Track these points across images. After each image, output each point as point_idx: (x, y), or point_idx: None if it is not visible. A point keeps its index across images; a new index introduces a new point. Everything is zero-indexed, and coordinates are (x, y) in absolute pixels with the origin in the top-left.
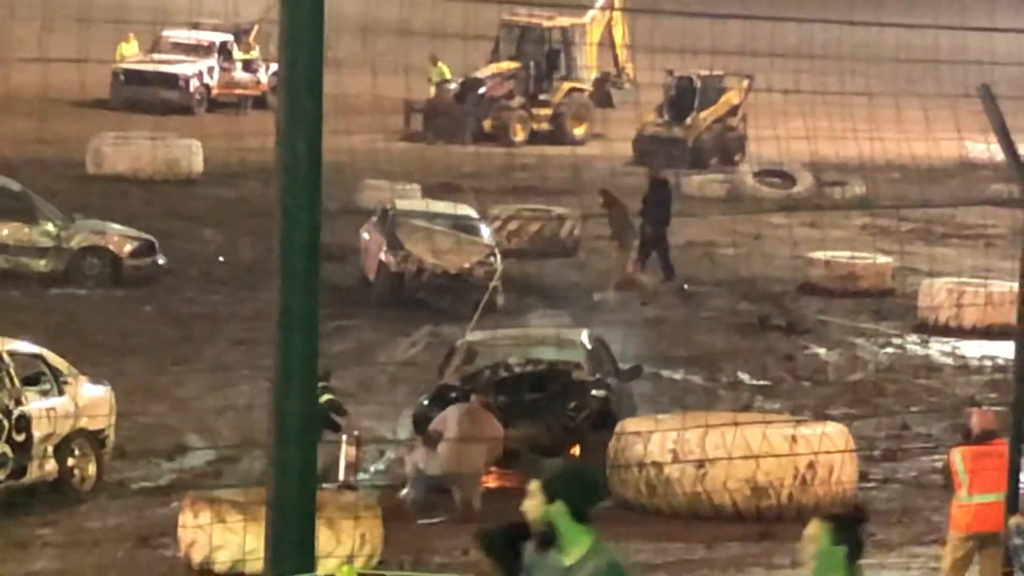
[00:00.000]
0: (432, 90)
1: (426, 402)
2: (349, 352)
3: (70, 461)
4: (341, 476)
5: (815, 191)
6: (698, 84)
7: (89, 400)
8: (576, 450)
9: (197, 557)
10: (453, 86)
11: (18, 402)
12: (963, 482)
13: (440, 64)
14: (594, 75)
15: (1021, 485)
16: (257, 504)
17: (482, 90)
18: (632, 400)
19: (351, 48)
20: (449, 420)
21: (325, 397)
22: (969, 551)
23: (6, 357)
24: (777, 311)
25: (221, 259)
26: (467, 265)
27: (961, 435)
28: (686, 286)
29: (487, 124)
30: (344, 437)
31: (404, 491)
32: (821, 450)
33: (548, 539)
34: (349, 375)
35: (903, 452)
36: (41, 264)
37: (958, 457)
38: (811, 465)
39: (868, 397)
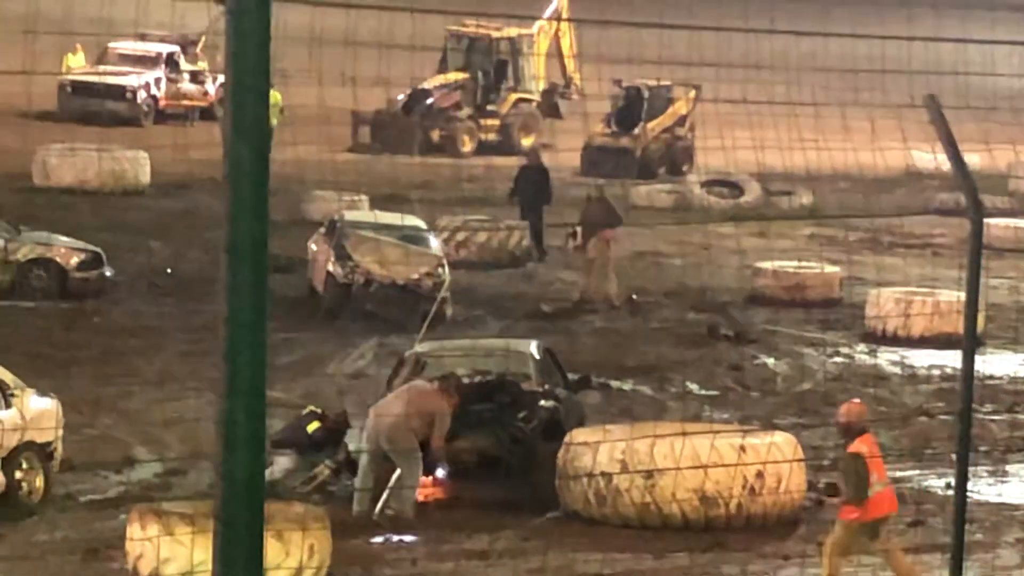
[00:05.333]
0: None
1: None
2: (297, 363)
3: (17, 474)
4: (306, 490)
5: (763, 201)
6: (646, 94)
7: (36, 413)
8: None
9: (145, 570)
10: (402, 97)
11: None
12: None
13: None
14: (542, 85)
15: (968, 494)
16: (205, 516)
17: (430, 101)
18: (581, 410)
19: (298, 59)
20: (390, 396)
21: (314, 426)
22: (856, 536)
23: None
24: (725, 321)
25: (168, 271)
26: (415, 276)
27: (839, 431)
28: (635, 296)
29: (435, 135)
30: (327, 461)
31: (354, 507)
32: (769, 460)
33: None
34: (297, 387)
35: None
36: None
37: (864, 450)
38: (760, 475)
39: (816, 407)
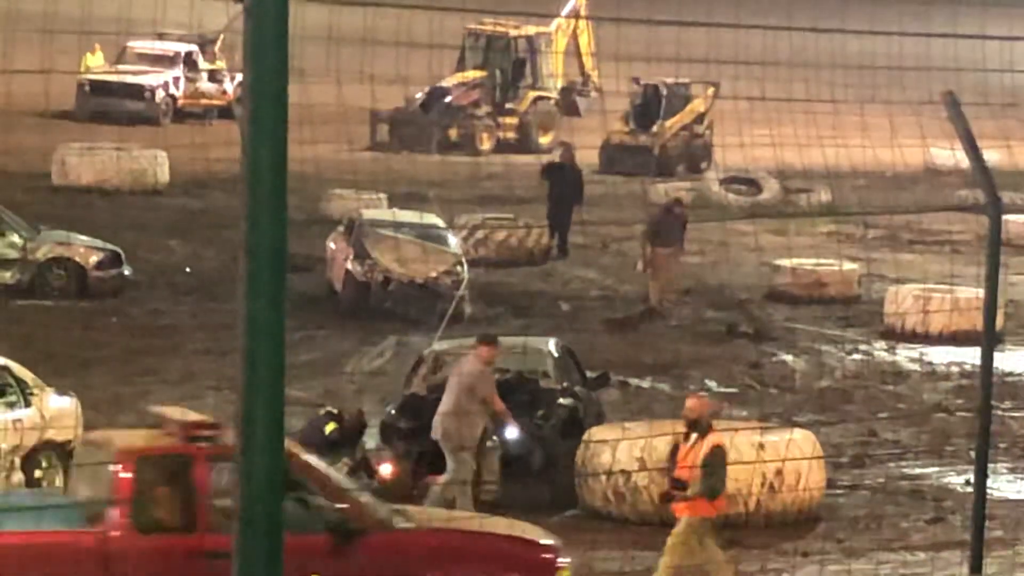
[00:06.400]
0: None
1: (393, 412)
2: (316, 362)
3: (37, 473)
4: None
5: (781, 198)
6: (664, 92)
7: (55, 412)
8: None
9: None
10: (420, 95)
11: None
12: None
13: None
14: (560, 83)
15: (988, 490)
16: None
17: (448, 99)
18: (599, 408)
19: (316, 58)
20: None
21: (331, 426)
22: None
23: None
24: (744, 318)
25: (187, 269)
26: (434, 274)
27: (686, 425)
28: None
29: (453, 133)
30: (345, 459)
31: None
32: (788, 457)
33: None
34: (316, 385)
35: (870, 458)
36: (7, 276)
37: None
38: (779, 472)
39: (835, 404)
